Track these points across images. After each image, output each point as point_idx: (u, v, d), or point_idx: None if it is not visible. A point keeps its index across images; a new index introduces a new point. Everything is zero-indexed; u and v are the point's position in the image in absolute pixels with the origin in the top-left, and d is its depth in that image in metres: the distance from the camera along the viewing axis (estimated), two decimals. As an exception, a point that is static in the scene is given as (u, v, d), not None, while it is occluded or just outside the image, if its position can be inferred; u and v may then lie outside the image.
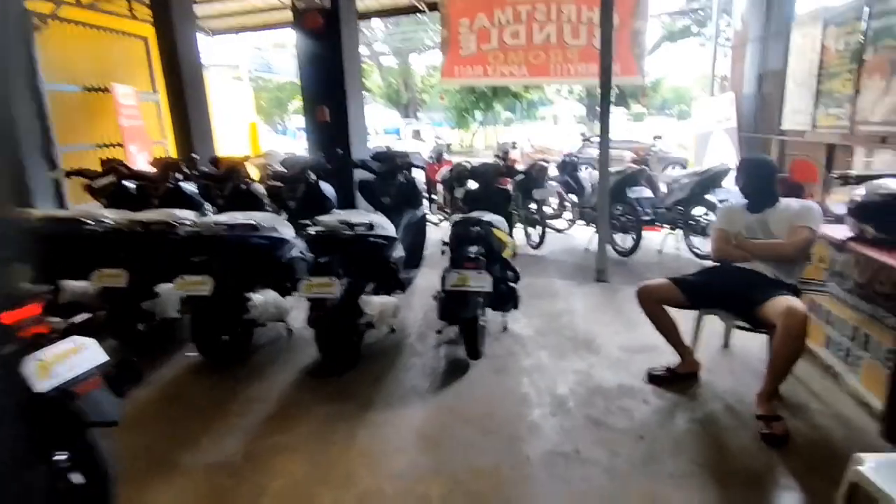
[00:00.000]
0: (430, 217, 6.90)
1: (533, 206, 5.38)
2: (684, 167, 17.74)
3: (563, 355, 3.22)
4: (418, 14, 7.80)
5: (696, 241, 5.02)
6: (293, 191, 4.03)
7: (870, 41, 4.55)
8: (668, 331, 2.85)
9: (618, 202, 5.10)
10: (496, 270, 3.15)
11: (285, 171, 4.14)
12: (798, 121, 5.70)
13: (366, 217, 3.06)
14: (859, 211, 2.46)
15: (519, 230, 5.88)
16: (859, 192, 2.51)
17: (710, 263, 2.95)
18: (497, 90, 25.45)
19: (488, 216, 3.18)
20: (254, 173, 4.70)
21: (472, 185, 3.84)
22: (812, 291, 2.99)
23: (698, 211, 4.96)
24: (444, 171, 6.23)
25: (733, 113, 6.58)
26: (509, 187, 4.27)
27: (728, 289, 2.68)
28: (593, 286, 4.47)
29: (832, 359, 2.83)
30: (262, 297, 3.11)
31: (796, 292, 2.65)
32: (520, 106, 35.01)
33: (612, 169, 5.12)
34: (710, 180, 4.71)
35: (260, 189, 4.15)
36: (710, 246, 2.87)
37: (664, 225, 5.34)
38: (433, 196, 6.69)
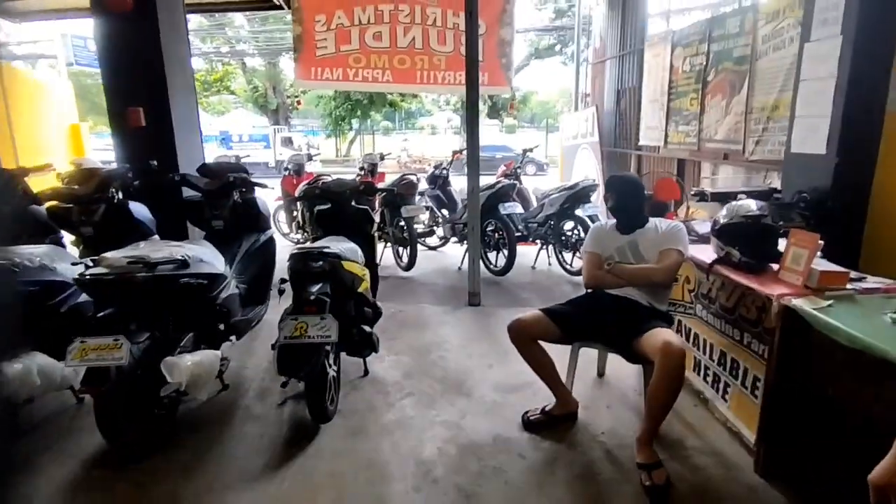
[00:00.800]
0: (293, 237, 6.19)
1: (402, 223, 4.93)
2: (543, 168, 18.79)
3: (431, 403, 2.78)
4: (276, 10, 7.03)
5: (568, 256, 4.94)
6: (89, 213, 3.12)
7: (711, 63, 4.82)
8: (545, 370, 2.55)
9: (490, 218, 4.86)
10: (349, 309, 2.63)
11: (76, 186, 3.21)
12: (652, 137, 5.97)
13: (180, 250, 2.36)
14: (724, 233, 2.35)
15: (388, 250, 5.42)
16: (722, 213, 2.41)
17: (581, 279, 2.71)
18: (373, 98, 24.94)
19: (337, 245, 2.64)
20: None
21: (326, 205, 3.28)
22: (679, 314, 2.89)
23: (569, 226, 4.89)
24: (304, 185, 5.56)
25: (595, 127, 6.78)
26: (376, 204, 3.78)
27: (603, 320, 2.45)
28: (466, 311, 4.13)
29: (702, 384, 2.74)
30: (27, 364, 2.26)
31: (669, 320, 2.48)
32: (398, 115, 34.93)
33: (483, 184, 4.87)
34: (579, 195, 4.65)
35: (39, 211, 3.18)
36: (582, 272, 2.63)
37: (537, 240, 5.22)
38: (294, 213, 5.97)
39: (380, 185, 5.11)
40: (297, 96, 26.34)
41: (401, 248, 5.13)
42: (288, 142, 22.22)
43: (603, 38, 7.15)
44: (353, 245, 2.80)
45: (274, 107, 27.05)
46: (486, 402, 2.79)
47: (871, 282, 2.08)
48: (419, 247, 5.73)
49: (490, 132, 29.32)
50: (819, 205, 3.11)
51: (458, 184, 5.91)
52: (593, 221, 4.63)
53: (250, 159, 6.23)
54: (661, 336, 2.13)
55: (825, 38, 3.18)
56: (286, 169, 6.35)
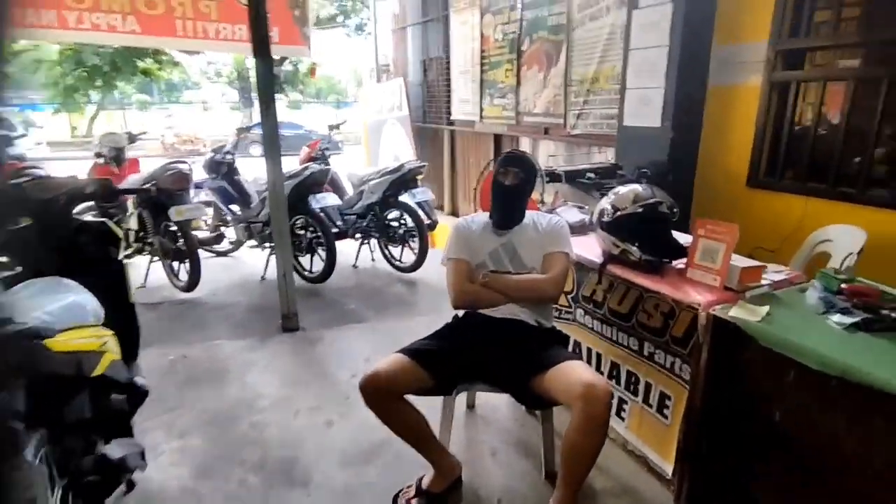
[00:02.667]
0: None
1: (174, 229, 3.59)
2: (339, 147, 17.75)
3: (249, 517, 1.82)
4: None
5: (396, 250, 4.25)
6: None
7: (525, 32, 4.54)
8: (417, 433, 1.81)
9: (298, 214, 3.85)
10: (76, 415, 1.48)
11: None
12: (466, 111, 5.59)
13: None
14: (618, 227, 1.89)
15: (157, 265, 3.98)
16: (609, 200, 1.95)
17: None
18: (117, 63, 20.11)
19: (35, 305, 1.44)
20: None
21: (22, 223, 1.93)
22: (554, 320, 2.43)
23: (394, 215, 4.18)
24: (138, 177, 3.73)
25: (404, 100, 6.15)
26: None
27: (488, 354, 1.80)
28: (281, 340, 3.13)
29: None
30: None
31: (565, 341, 1.97)
32: (157, 88, 29.54)
33: (286, 171, 3.82)
34: (405, 179, 3.96)
35: None
36: (448, 287, 1.93)
37: (357, 235, 4.39)
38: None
39: (126, 183, 3.67)
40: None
41: (176, 263, 3.77)
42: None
43: (403, 3, 6.50)
44: (75, 297, 1.60)
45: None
46: (335, 488, 1.93)
47: (771, 271, 1.83)
48: (204, 255, 4.41)
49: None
50: (660, 178, 2.97)
51: (249, 170, 4.70)
52: (424, 209, 4.01)
53: None
54: (576, 374, 1.57)
55: (655, 5, 3.00)
56: (99, 155, 4.39)
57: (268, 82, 2.87)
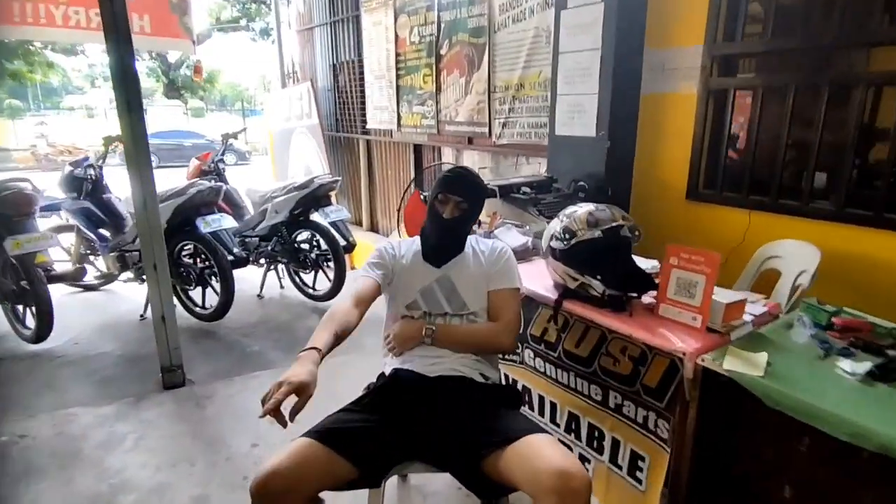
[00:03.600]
0: None
1: (15, 265, 2.81)
2: (245, 157, 16.42)
3: None
4: None
5: (308, 277, 3.71)
6: None
7: (444, 34, 4.21)
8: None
9: (185, 239, 3.21)
10: None
11: None
12: (382, 119, 5.15)
13: None
14: (576, 256, 1.56)
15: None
16: (560, 223, 1.62)
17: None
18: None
19: None
20: None
21: None
22: (501, 362, 2.07)
23: (304, 236, 3.64)
24: None
25: (313, 107, 5.59)
26: None
27: (423, 424, 1.39)
28: (161, 401, 2.49)
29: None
30: None
31: (518, 401, 1.59)
32: (32, 93, 26.24)
33: (169, 188, 3.18)
34: (315, 196, 3.45)
35: None
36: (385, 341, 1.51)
37: (261, 261, 3.80)
38: None
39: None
40: None
41: (21, 307, 2.98)
42: None
43: (308, 1, 5.95)
44: None
45: None
46: None
47: (748, 302, 1.58)
48: (66, 291, 3.65)
49: (172, 116, 24.86)
50: (598, 192, 2.74)
51: (125, 187, 3.93)
52: (339, 229, 3.52)
53: None
54: (544, 458, 1.19)
55: (585, 4, 2.78)
56: None
57: (127, 83, 2.26)
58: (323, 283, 3.66)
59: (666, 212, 2.79)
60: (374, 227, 5.84)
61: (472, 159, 4.25)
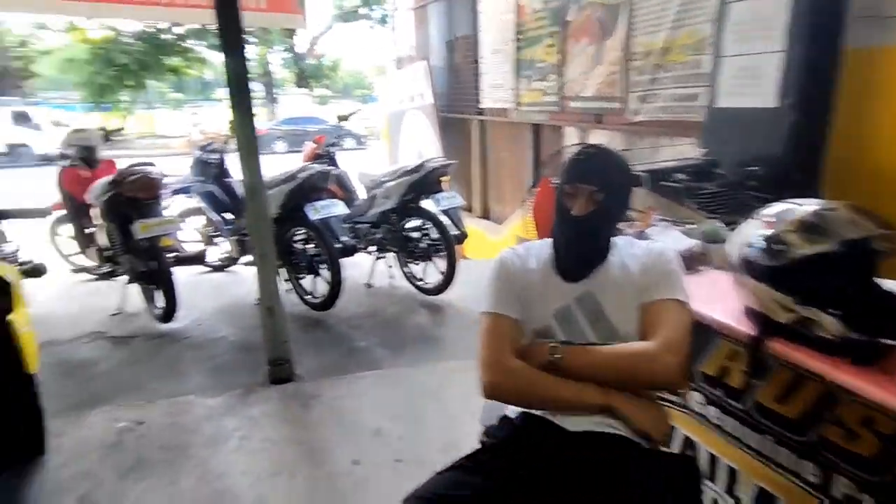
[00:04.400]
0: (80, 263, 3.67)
1: (145, 245, 2.92)
2: (362, 142, 16.85)
3: None
4: None
5: (418, 268, 3.49)
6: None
7: (573, -3, 3.70)
8: None
9: (295, 226, 3.14)
10: None
11: None
12: (499, 97, 4.78)
13: None
14: (793, 279, 1.08)
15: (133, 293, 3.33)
16: (768, 232, 1.14)
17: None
18: (146, 63, 19.98)
19: None
20: None
21: None
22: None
23: (414, 224, 3.42)
24: (101, 183, 3.05)
25: (428, 86, 5.37)
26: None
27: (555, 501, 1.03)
28: (267, 397, 2.40)
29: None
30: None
31: (694, 477, 1.16)
32: (194, 86, 29.49)
33: (275, 174, 3.12)
34: (426, 181, 3.20)
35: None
36: (480, 361, 1.16)
37: (370, 248, 3.66)
38: (86, 228, 3.47)
39: (91, 190, 3.01)
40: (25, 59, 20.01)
41: (151, 288, 3.10)
42: (22, 118, 16.77)
43: (423, -26, 5.71)
44: None
45: (-6, 71, 20.08)
46: None
47: None
48: (196, 270, 3.80)
49: (300, 103, 26.51)
50: (778, 181, 2.14)
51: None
52: (450, 218, 3.24)
53: None
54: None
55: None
56: (65, 156, 3.60)
57: (237, 61, 2.12)
58: (433, 275, 3.42)
59: (882, 207, 2.10)
60: (486, 214, 5.52)
61: (600, 140, 3.72)
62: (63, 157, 3.51)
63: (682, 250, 1.56)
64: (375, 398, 2.35)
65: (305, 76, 29.84)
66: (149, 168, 2.95)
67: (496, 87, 4.77)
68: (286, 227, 3.18)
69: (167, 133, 20.58)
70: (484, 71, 4.90)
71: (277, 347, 2.48)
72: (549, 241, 1.26)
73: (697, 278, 1.49)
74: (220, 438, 2.10)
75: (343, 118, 4.38)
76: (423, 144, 5.78)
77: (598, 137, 3.76)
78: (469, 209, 5.82)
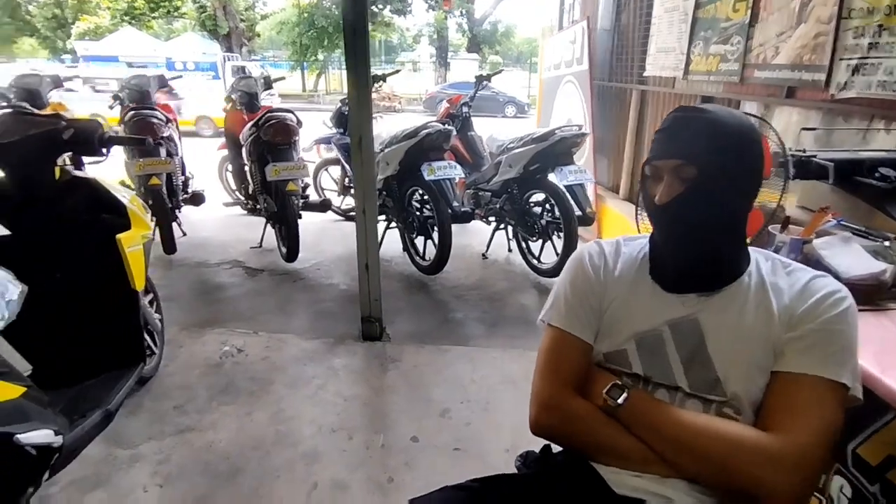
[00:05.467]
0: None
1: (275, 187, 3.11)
2: (525, 111, 16.37)
3: None
4: None
5: (535, 245, 3.22)
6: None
7: (780, -66, 2.94)
8: None
9: (411, 184, 3.08)
10: None
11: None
12: (665, 64, 4.12)
13: None
14: None
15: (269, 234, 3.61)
16: None
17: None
18: (341, 25, 21.93)
19: None
20: None
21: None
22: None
23: (537, 198, 3.14)
24: (248, 126, 3.38)
25: (585, 51, 4.87)
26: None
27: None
28: (353, 351, 2.41)
29: None
30: None
31: None
32: (379, 50, 31.65)
33: (398, 130, 3.07)
34: (554, 151, 2.87)
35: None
36: (533, 387, 0.91)
37: (490, 218, 3.47)
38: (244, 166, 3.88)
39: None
40: (249, 21, 23.18)
41: (279, 227, 3.33)
42: (240, 72, 19.55)
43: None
44: None
45: (225, 31, 23.73)
46: None
47: None
48: (330, 218, 4.02)
49: (469, 69, 26.80)
50: None
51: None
52: (575, 195, 2.90)
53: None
54: None
55: None
56: (229, 100, 4.01)
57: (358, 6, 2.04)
58: (550, 256, 3.12)
59: None
60: (632, 197, 4.93)
61: (788, 119, 2.99)
62: (228, 100, 3.89)
63: (862, 275, 1.10)
64: (454, 376, 2.21)
65: (478, 42, 29.95)
66: (286, 115, 3.11)
67: (665, 52, 4.12)
68: (406, 185, 3.14)
69: (277, 80, 22.35)
70: (653, 34, 4.25)
71: (369, 305, 2.46)
72: (646, 239, 0.95)
73: (877, 319, 1.03)
74: (300, 382, 2.16)
75: (484, 78, 4.16)
76: (574, 114, 5.31)
77: (785, 114, 3.02)
78: (615, 189, 5.25)
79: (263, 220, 3.60)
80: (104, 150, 1.58)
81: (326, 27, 21.76)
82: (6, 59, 24.61)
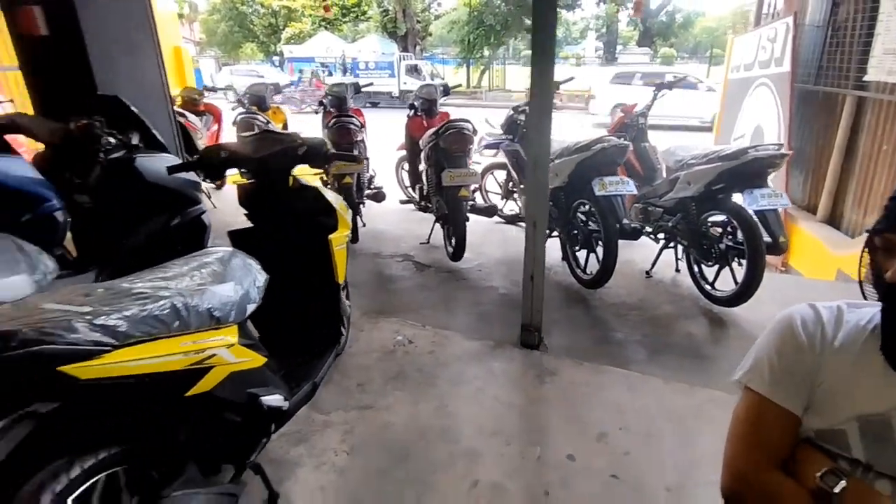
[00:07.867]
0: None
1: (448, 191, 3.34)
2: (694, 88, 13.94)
3: None
4: None
5: (709, 271, 2.99)
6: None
7: None
8: None
9: (578, 197, 3.06)
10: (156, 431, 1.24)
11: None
12: (895, 68, 3.48)
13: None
14: None
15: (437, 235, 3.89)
16: None
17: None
18: (508, 23, 22.34)
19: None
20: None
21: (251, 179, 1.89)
22: None
23: (716, 219, 2.91)
24: (428, 133, 3.66)
25: (787, 51, 4.32)
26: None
27: None
28: (511, 357, 2.51)
29: None
30: None
31: None
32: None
33: (571, 142, 3.07)
34: (746, 170, 2.62)
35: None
36: (726, 451, 0.90)
37: (659, 234, 3.30)
38: (420, 168, 4.24)
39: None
40: (424, 22, 24.65)
41: (449, 228, 3.57)
42: (413, 70, 20.96)
43: None
44: (213, 287, 1.32)
45: (403, 32, 25.65)
46: None
47: None
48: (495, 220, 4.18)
49: (638, 63, 25.27)
50: None
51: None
52: (766, 221, 2.63)
53: (372, 87, 4.91)
54: None
55: None
56: (412, 106, 4.22)
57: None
58: (727, 283, 2.88)
59: None
60: (834, 220, 4.28)
61: None
62: (411, 107, 4.24)
63: None
64: (611, 399, 2.19)
65: (651, 34, 27.96)
66: (463, 124, 3.31)
67: (895, 55, 3.48)
68: (573, 197, 3.14)
69: (513, 88, 22.63)
70: (880, 31, 3.61)
71: (531, 314, 2.54)
72: (880, 308, 0.86)
73: None
74: (461, 381, 2.33)
75: (665, 86, 3.91)
76: (765, 122, 4.75)
77: None
78: (811, 209, 4.59)
79: (433, 218, 3.89)
80: (327, 166, 1.88)
81: (494, 25, 22.28)
82: (233, 60, 29.70)
